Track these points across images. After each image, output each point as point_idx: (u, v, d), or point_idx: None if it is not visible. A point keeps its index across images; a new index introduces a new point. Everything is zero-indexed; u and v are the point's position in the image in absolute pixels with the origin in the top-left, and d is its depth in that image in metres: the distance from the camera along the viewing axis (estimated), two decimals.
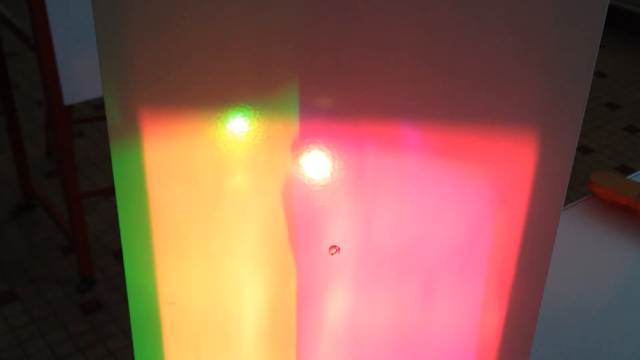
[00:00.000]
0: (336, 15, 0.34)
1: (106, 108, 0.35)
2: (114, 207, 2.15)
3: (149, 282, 0.40)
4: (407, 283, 0.40)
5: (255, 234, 0.38)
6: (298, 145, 0.36)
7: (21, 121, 2.09)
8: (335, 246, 0.39)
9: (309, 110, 0.36)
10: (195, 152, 0.36)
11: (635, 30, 3.40)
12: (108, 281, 1.95)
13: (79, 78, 1.68)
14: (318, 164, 0.37)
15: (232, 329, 0.41)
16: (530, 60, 0.36)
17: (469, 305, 0.42)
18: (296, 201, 0.38)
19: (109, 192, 2.11)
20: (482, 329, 0.43)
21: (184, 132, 0.36)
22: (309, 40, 0.34)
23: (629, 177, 0.79)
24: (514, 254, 0.41)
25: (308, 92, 0.35)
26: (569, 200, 0.61)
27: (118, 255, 2.01)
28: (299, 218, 0.38)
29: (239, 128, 0.36)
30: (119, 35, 0.34)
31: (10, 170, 2.27)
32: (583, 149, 2.58)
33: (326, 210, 0.38)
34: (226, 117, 0.35)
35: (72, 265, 2.00)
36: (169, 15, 0.33)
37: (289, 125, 0.36)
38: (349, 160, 0.37)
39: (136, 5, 0.33)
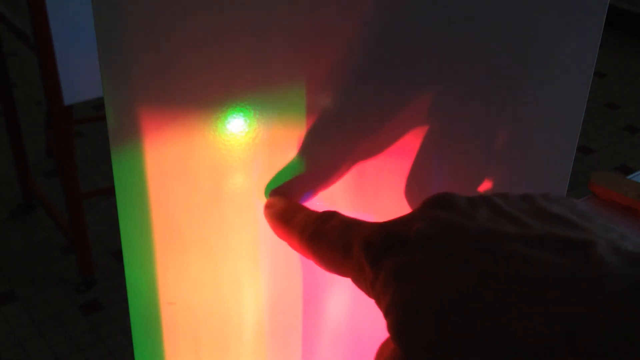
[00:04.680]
0: (338, 18, 0.34)
1: (106, 108, 0.35)
2: (114, 207, 2.15)
3: (149, 282, 0.39)
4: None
5: (255, 234, 0.38)
6: (299, 146, 0.36)
7: (21, 121, 2.08)
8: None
9: (310, 110, 0.36)
10: (195, 152, 0.36)
11: (635, 30, 3.40)
12: (108, 281, 1.95)
13: (79, 78, 1.68)
14: (318, 164, 0.37)
15: (232, 329, 0.41)
16: (531, 60, 0.36)
17: None
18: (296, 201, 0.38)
19: (109, 192, 2.11)
20: None
21: (184, 132, 0.36)
22: (311, 41, 0.34)
23: (629, 177, 0.79)
24: None
25: (309, 92, 0.35)
26: None
27: (118, 255, 2.01)
28: None
29: (239, 128, 0.36)
30: (119, 35, 0.34)
31: (10, 170, 2.27)
32: (583, 149, 2.58)
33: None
34: (226, 117, 0.35)
35: (72, 265, 2.00)
36: (169, 15, 0.33)
37: (289, 126, 0.36)
38: (349, 160, 0.37)
39: (136, 5, 0.33)
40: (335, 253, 0.30)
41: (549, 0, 0.34)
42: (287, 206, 0.34)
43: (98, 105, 2.60)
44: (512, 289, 0.24)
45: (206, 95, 0.35)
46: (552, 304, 0.23)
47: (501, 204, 0.28)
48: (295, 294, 0.40)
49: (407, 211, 0.29)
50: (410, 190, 0.37)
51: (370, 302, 0.41)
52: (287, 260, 0.39)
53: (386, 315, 0.26)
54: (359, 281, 0.29)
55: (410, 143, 0.37)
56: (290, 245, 0.33)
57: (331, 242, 0.31)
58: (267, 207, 0.35)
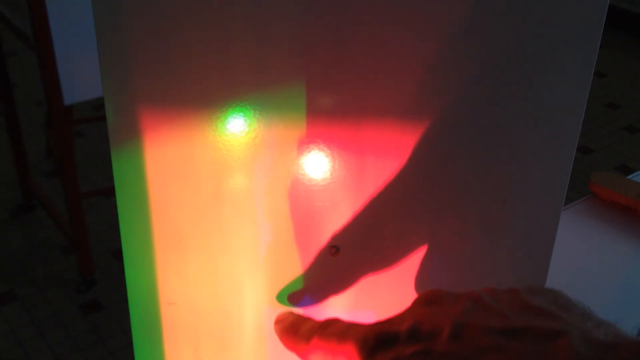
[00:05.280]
0: (338, 18, 0.34)
1: (106, 108, 0.35)
2: (114, 207, 2.15)
3: (149, 282, 0.40)
4: (406, 284, 0.40)
5: (255, 234, 0.38)
6: (299, 146, 0.36)
7: (21, 121, 2.08)
8: (335, 246, 0.39)
9: (310, 110, 0.36)
10: (195, 152, 0.36)
11: (635, 30, 3.40)
12: (108, 281, 1.95)
13: (79, 78, 1.68)
14: (318, 164, 0.37)
15: (232, 329, 0.41)
16: (531, 60, 0.36)
17: None
18: (296, 201, 0.38)
19: (109, 192, 2.11)
20: None
21: (184, 132, 0.36)
22: (311, 41, 0.34)
23: (629, 177, 0.79)
24: (514, 254, 0.41)
25: (309, 92, 0.35)
26: (569, 200, 0.61)
27: (118, 255, 2.01)
28: (299, 218, 0.38)
29: (239, 128, 0.36)
30: (119, 35, 0.34)
31: (10, 170, 2.27)
32: (583, 149, 2.58)
33: (326, 210, 0.38)
34: (226, 117, 0.35)
35: (72, 265, 2.00)
36: (169, 15, 0.33)
37: (289, 125, 0.36)
38: (349, 160, 0.37)
39: (136, 5, 0.33)
40: (336, 354, 0.34)
41: (549, 0, 0.34)
42: (294, 319, 0.38)
43: (98, 105, 2.60)
44: None
45: (206, 95, 0.35)
46: None
47: (486, 298, 0.31)
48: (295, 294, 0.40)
49: (403, 306, 0.33)
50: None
51: (369, 303, 0.41)
52: (287, 259, 0.39)
53: None
54: None
55: (410, 142, 0.37)
56: (298, 354, 0.37)
57: (333, 344, 0.34)
58: (277, 322, 0.39)
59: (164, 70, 0.34)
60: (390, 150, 0.37)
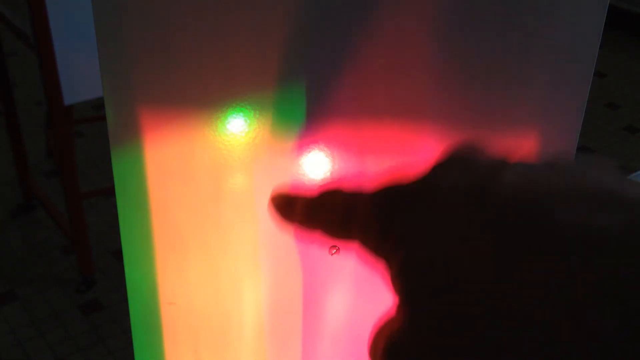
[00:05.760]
0: (338, 17, 0.34)
1: (106, 108, 0.35)
2: (114, 207, 2.15)
3: (149, 282, 0.40)
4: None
5: (255, 234, 0.38)
6: (299, 146, 0.36)
7: (21, 121, 2.09)
8: (336, 246, 0.39)
9: (310, 110, 0.36)
10: (195, 152, 0.36)
11: (635, 30, 3.40)
12: (108, 281, 1.95)
13: (79, 78, 1.68)
14: (318, 164, 0.37)
15: (232, 329, 0.41)
16: (530, 60, 0.36)
17: None
18: None
19: (109, 192, 2.11)
20: None
21: (184, 132, 0.36)
22: (312, 41, 0.34)
23: (629, 177, 0.79)
24: None
25: (309, 92, 0.35)
26: None
27: (118, 255, 2.01)
28: None
29: (239, 128, 0.36)
30: (119, 35, 0.34)
31: (10, 170, 2.27)
32: (583, 149, 2.58)
33: None
34: (226, 117, 0.35)
35: (72, 265, 2.00)
36: (169, 15, 0.33)
37: (289, 125, 0.36)
38: (349, 160, 0.37)
39: (136, 5, 0.33)
40: (340, 217, 0.29)
41: (549, 0, 0.34)
42: (289, 191, 0.33)
43: (98, 105, 2.60)
44: (542, 253, 0.22)
45: (206, 95, 0.35)
46: (598, 262, 0.21)
47: (526, 168, 0.25)
48: (295, 294, 0.40)
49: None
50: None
51: (370, 302, 0.41)
52: (287, 260, 0.39)
53: (398, 275, 0.25)
54: (366, 242, 0.28)
55: (410, 142, 0.37)
56: (296, 224, 0.32)
57: (336, 206, 0.29)
58: (272, 198, 0.34)
59: (164, 70, 0.34)
60: (390, 150, 0.37)
